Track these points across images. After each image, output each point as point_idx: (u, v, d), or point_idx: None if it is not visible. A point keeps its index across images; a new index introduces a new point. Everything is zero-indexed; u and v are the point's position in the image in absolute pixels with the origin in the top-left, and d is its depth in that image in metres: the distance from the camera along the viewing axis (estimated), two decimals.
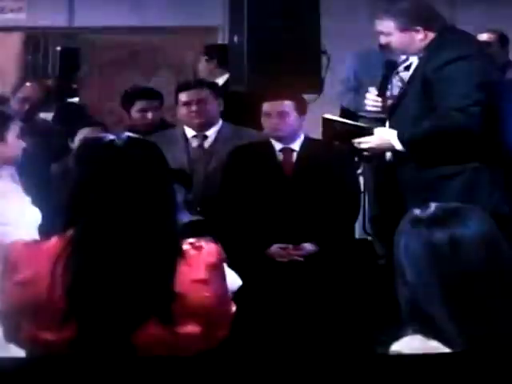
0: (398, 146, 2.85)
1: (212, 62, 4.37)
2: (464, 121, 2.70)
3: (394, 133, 2.86)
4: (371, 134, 2.93)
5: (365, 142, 2.94)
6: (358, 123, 3.09)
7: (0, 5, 5.61)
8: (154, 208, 1.57)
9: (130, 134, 1.68)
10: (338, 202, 3.23)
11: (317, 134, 3.45)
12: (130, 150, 1.60)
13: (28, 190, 2.69)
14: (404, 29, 2.83)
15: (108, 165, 1.58)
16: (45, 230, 2.33)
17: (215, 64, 4.35)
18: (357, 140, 2.95)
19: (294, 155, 3.27)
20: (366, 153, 3.06)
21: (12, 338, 1.63)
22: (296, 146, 3.27)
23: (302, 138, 3.29)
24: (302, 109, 3.25)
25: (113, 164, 1.58)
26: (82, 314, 1.53)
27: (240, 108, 3.60)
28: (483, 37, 4.00)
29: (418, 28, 2.82)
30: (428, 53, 2.82)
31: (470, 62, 2.73)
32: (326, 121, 3.06)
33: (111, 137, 1.63)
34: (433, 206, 1.49)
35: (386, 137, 2.90)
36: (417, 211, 1.49)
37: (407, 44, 2.86)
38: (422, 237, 1.44)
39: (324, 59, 3.33)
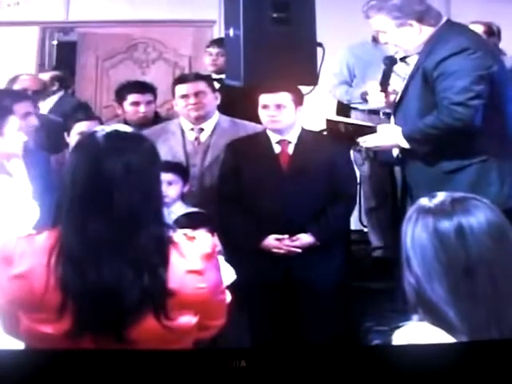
0: (403, 143, 2.85)
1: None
2: (465, 114, 2.70)
3: (399, 129, 2.85)
4: (375, 131, 2.93)
5: (370, 141, 2.94)
6: (361, 122, 3.09)
7: None
8: (139, 199, 1.57)
9: (119, 127, 1.68)
10: (335, 194, 3.22)
11: (311, 125, 3.46)
12: (115, 142, 1.61)
13: (27, 184, 2.70)
14: (398, 24, 2.82)
15: (92, 156, 1.58)
16: (42, 224, 2.33)
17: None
18: (362, 139, 2.94)
19: (291, 147, 3.26)
20: (370, 151, 3.05)
21: (11, 331, 1.64)
22: (293, 137, 3.26)
23: (298, 129, 3.29)
24: (298, 100, 3.24)
25: (96, 155, 1.58)
26: (75, 307, 1.53)
27: (236, 100, 3.60)
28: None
29: (412, 22, 2.82)
30: (427, 48, 2.82)
31: (469, 56, 2.73)
32: (329, 122, 3.05)
33: (99, 130, 1.64)
34: (440, 195, 1.52)
35: (390, 134, 2.90)
36: (424, 200, 1.52)
37: (405, 40, 2.86)
38: (429, 225, 1.46)
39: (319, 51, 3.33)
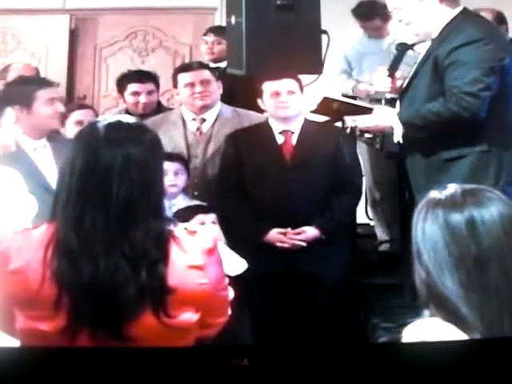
0: (397, 127, 2.82)
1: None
2: (473, 104, 2.70)
3: (394, 112, 2.84)
4: (369, 113, 2.92)
5: (361, 120, 2.91)
6: (359, 103, 3.06)
7: None
8: (138, 192, 1.53)
9: (121, 118, 1.65)
10: (340, 185, 3.18)
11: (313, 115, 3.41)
12: (115, 132, 1.57)
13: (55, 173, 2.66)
14: None
15: (91, 147, 1.55)
16: (40, 219, 2.28)
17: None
18: (353, 117, 2.92)
19: (295, 137, 3.21)
20: (367, 134, 3.04)
21: (6, 328, 1.61)
22: (296, 128, 3.22)
23: (302, 119, 3.24)
24: (302, 89, 3.21)
25: (96, 146, 1.55)
26: (71, 302, 1.50)
27: (234, 90, 3.54)
28: None
29: None
30: (441, 35, 2.82)
31: (481, 47, 2.73)
32: (325, 100, 3.02)
33: (102, 120, 1.60)
34: (451, 187, 1.49)
35: (384, 116, 2.88)
36: (435, 193, 1.49)
37: (420, 17, 2.83)
38: (439, 218, 1.44)
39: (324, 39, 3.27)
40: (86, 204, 1.52)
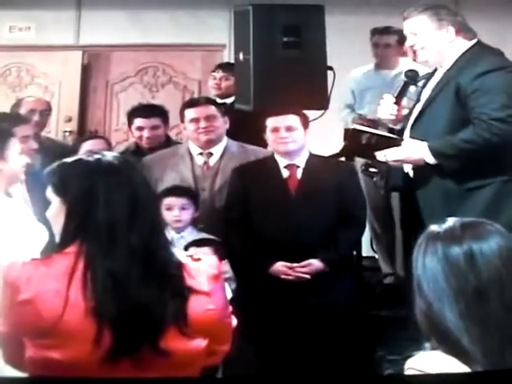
0: (429, 158, 2.79)
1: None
2: (504, 130, 2.70)
3: (424, 144, 2.79)
4: (399, 145, 2.86)
5: (393, 154, 2.85)
6: (389, 134, 2.99)
7: (9, 24, 5.66)
8: (145, 219, 1.58)
9: (115, 154, 1.71)
10: (344, 219, 3.19)
11: (321, 149, 3.43)
12: (121, 166, 1.62)
13: (35, 208, 2.67)
14: (437, 26, 2.83)
15: (103, 179, 1.59)
16: (49, 248, 2.31)
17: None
18: (383, 152, 2.86)
19: (300, 171, 3.24)
20: (372, 168, 3.00)
21: (14, 359, 1.61)
22: (301, 162, 3.24)
23: (306, 154, 3.27)
24: (306, 123, 3.23)
25: (107, 178, 1.59)
26: (115, 326, 1.51)
27: (240, 125, 3.58)
28: None
29: (449, 29, 2.83)
30: (459, 64, 2.83)
31: (506, 73, 2.75)
32: (354, 132, 2.96)
33: (96, 155, 1.64)
34: (450, 220, 1.50)
35: (415, 148, 2.82)
36: (434, 226, 1.51)
37: (434, 44, 2.85)
38: (438, 251, 1.45)
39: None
40: (115, 238, 1.55)
